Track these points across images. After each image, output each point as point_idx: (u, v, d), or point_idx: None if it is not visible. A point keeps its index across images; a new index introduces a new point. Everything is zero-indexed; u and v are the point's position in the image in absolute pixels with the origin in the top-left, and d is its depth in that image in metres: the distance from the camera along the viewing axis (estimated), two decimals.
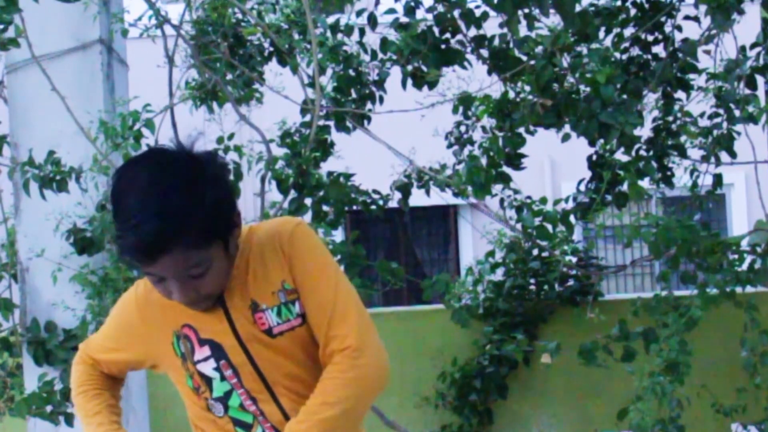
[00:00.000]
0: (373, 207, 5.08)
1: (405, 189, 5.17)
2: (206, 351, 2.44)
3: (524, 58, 4.75)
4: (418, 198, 5.27)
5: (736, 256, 4.62)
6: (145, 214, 2.25)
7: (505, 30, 4.76)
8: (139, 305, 2.50)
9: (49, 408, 4.55)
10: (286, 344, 2.43)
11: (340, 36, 5.04)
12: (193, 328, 2.45)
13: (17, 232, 4.95)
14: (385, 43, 4.88)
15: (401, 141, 5.26)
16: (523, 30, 4.64)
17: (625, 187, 4.95)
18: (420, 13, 4.89)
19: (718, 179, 5.29)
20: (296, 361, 2.45)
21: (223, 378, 2.45)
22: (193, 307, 2.40)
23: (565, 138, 4.83)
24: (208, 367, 2.45)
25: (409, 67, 4.83)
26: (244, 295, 2.43)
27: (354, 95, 5.07)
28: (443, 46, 4.83)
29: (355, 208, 5.10)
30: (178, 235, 2.25)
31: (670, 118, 5.22)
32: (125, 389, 5.02)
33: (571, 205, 5.07)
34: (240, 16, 5.20)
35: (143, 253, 2.27)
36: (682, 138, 5.22)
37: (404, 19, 4.85)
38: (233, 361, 2.43)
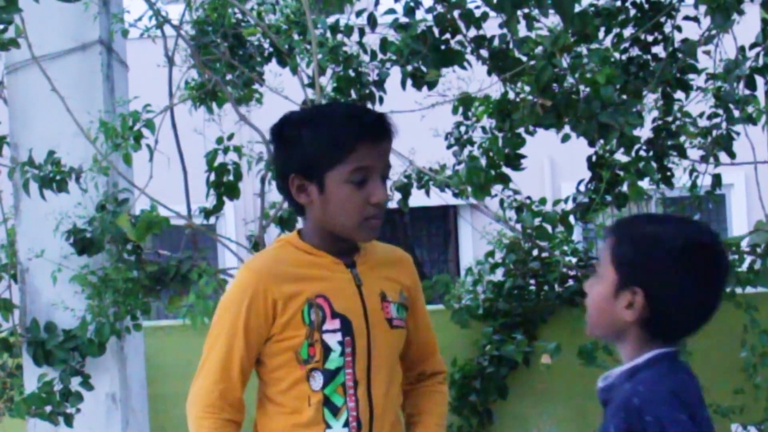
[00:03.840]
0: None
1: (405, 189, 5.17)
2: (337, 324, 2.57)
3: (524, 58, 4.74)
4: (417, 198, 5.26)
5: (736, 257, 4.62)
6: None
7: (505, 30, 4.76)
8: (271, 278, 2.56)
9: (48, 408, 4.54)
10: (395, 338, 2.68)
11: (339, 36, 5.04)
12: (328, 300, 2.58)
13: (17, 232, 4.94)
14: (384, 43, 4.88)
15: (401, 141, 5.21)
16: (522, 30, 4.64)
17: (624, 187, 4.93)
18: (420, 14, 4.89)
19: (717, 179, 5.28)
20: (394, 356, 2.69)
21: (342, 353, 2.58)
22: (378, 215, 2.59)
23: (565, 138, 4.83)
24: (333, 339, 2.57)
25: (409, 68, 4.82)
26: (375, 282, 2.65)
27: (354, 95, 5.06)
28: (443, 47, 4.82)
29: None
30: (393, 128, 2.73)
31: (670, 119, 5.22)
32: (125, 389, 5.05)
33: (570, 205, 5.06)
34: (240, 16, 5.20)
35: (381, 125, 2.73)
36: (682, 138, 5.21)
37: (404, 20, 4.84)
38: (356, 341, 2.59)
